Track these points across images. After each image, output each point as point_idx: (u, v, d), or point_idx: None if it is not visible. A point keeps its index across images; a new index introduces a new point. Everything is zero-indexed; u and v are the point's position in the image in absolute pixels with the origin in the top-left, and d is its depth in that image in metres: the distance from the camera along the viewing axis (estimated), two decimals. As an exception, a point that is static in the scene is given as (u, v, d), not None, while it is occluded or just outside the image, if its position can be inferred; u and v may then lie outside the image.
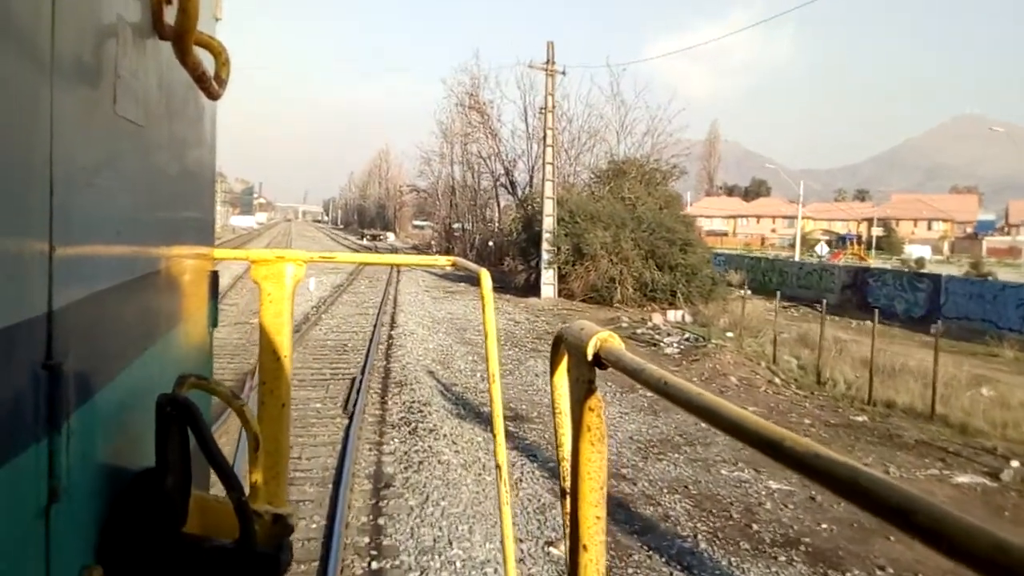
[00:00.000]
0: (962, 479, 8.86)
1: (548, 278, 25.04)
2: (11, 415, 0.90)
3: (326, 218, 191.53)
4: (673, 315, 21.97)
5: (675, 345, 17.42)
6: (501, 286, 28.34)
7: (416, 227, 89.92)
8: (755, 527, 7.18)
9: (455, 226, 50.61)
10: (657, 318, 20.34)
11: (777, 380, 13.84)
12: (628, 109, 32.52)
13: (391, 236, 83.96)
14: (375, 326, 17.03)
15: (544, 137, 25.23)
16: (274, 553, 1.51)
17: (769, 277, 30.90)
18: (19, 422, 0.92)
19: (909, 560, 6.52)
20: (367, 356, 13.09)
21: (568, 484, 1.20)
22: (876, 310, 16.84)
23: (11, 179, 0.90)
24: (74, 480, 1.07)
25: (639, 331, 19.11)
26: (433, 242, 54.72)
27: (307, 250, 2.84)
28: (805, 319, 25.45)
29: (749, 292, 30.88)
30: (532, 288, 26.27)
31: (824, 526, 7.24)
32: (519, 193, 35.17)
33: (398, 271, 34.10)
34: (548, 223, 24.95)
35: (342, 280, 28.10)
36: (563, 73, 25.19)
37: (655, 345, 17.53)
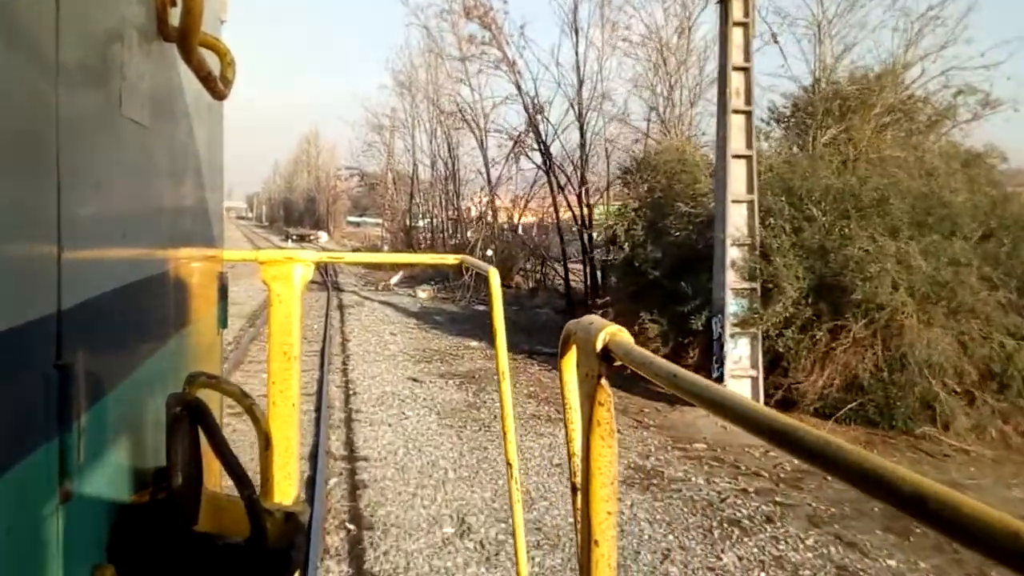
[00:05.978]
0: None
1: (741, 359, 9.89)
2: (23, 414, 0.89)
3: (250, 215, 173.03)
4: None
5: None
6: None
7: (352, 223, 74.12)
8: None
9: (420, 224, 34.99)
10: None
11: None
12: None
13: (324, 236, 67.89)
14: None
15: (725, 11, 9.97)
16: (286, 550, 1.45)
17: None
18: (31, 421, 0.91)
19: None
20: None
21: (579, 480, 1.19)
22: None
23: (19, 181, 0.88)
24: (86, 479, 1.06)
25: None
26: (386, 245, 38.73)
27: None
28: None
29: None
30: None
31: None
32: (554, 164, 19.84)
33: (340, 310, 18.43)
34: (738, 219, 9.85)
35: (235, 334, 12.28)
36: None
37: None
